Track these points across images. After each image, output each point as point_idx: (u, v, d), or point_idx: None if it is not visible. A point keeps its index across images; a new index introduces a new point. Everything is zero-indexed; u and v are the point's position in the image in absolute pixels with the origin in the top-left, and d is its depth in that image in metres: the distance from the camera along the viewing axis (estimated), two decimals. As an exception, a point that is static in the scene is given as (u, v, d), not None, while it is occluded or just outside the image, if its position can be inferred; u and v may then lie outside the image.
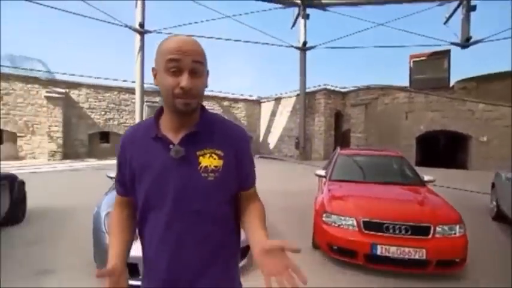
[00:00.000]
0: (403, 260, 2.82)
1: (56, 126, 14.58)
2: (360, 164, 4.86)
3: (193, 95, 0.84)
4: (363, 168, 4.73)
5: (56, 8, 13.42)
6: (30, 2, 12.70)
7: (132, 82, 16.53)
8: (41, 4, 12.94)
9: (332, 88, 17.51)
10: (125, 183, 0.96)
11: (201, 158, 0.88)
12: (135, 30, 14.89)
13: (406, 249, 2.80)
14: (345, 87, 17.77)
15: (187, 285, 0.89)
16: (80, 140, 15.81)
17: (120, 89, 17.18)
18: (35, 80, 15.19)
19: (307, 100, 17.35)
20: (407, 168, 4.71)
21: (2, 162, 13.01)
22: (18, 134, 15.02)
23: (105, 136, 17.09)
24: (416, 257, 2.78)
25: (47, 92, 14.66)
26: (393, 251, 2.82)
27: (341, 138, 17.14)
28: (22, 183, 4.90)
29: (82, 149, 15.93)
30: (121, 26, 14.98)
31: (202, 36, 14.76)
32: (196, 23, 16.64)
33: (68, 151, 15.11)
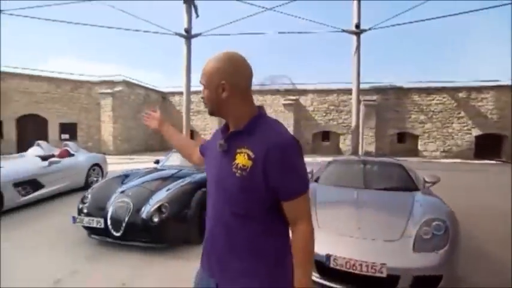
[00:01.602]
0: None
1: (289, 127, 17.99)
2: None
3: (205, 103, 1.08)
4: None
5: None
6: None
7: (347, 83, 17.12)
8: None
9: None
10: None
11: (237, 155, 0.99)
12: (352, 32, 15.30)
13: None
14: None
15: (216, 266, 1.05)
16: (306, 138, 18.55)
17: (339, 91, 18.31)
18: (277, 92, 19.56)
19: None
20: None
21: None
22: (267, 134, 20.05)
23: (326, 135, 18.93)
24: None
25: (284, 100, 18.42)
26: None
27: None
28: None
29: (307, 147, 18.60)
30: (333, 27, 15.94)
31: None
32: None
33: (297, 148, 18.24)
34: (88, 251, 3.32)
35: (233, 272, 1.01)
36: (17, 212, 4.75)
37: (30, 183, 5.14)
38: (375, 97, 17.19)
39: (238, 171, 0.96)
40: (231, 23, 15.27)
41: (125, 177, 4.26)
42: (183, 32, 15.81)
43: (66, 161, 6.17)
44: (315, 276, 2.59)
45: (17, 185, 4.85)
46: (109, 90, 16.71)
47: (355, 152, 15.95)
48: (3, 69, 15.54)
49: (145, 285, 2.63)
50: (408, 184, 3.89)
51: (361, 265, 2.37)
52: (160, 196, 3.49)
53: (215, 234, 1.05)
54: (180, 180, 3.94)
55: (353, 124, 16.29)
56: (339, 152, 18.03)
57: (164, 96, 21.78)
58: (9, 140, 15.95)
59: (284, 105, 18.23)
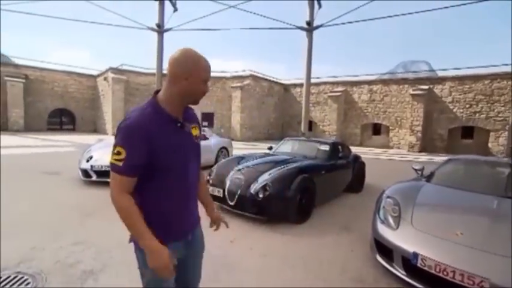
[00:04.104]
0: None
1: (417, 120, 15.82)
2: None
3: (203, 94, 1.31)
4: None
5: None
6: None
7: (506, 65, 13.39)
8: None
9: None
10: (139, 166, 1.14)
11: (192, 129, 1.35)
12: None
13: None
14: None
15: (189, 218, 1.40)
16: (439, 134, 15.86)
17: (494, 77, 14.60)
18: (404, 81, 17.39)
19: None
20: None
21: (378, 149, 16.64)
22: (390, 128, 18.22)
23: (468, 132, 15.59)
24: None
25: (413, 90, 16.22)
26: None
27: None
28: (363, 163, 6.42)
29: (440, 144, 15.89)
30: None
31: None
32: None
33: (426, 144, 15.82)
34: (211, 212, 4.30)
35: (195, 211, 1.44)
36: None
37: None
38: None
39: (197, 140, 1.40)
40: (350, 11, 14.52)
41: (241, 158, 5.11)
42: (305, 25, 16.20)
43: (203, 143, 7.78)
44: (401, 273, 2.56)
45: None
46: (239, 84, 19.13)
47: (511, 153, 12.52)
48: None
49: (247, 244, 3.28)
50: None
51: (454, 272, 2.22)
52: (266, 177, 4.08)
53: (191, 193, 1.38)
54: (286, 165, 4.44)
55: None
56: (486, 153, 14.58)
57: (286, 88, 23.03)
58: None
59: (412, 95, 16.06)
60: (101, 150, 6.06)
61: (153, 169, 1.18)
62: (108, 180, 4.71)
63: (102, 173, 5.50)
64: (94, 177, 5.51)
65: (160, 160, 1.17)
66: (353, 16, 15.09)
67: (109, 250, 2.96)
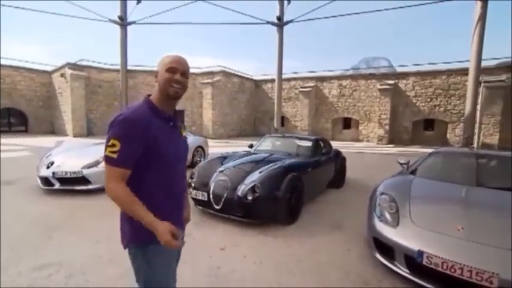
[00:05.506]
0: None
1: (384, 114, 16.50)
2: None
3: (183, 88, 1.29)
4: None
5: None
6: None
7: (463, 61, 14.37)
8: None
9: None
10: (134, 157, 1.17)
11: (181, 129, 1.44)
12: None
13: None
14: None
15: (179, 212, 1.44)
16: (404, 126, 16.69)
17: (450, 72, 15.63)
18: (371, 76, 18.03)
19: None
20: None
21: (348, 142, 17.13)
22: (360, 121, 18.84)
23: (429, 124, 16.59)
24: None
25: (380, 84, 16.88)
26: None
27: None
28: (344, 158, 6.43)
29: (406, 136, 16.74)
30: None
31: None
32: None
33: (394, 137, 16.58)
34: (194, 218, 3.98)
35: (182, 213, 1.48)
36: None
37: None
38: (503, 76, 14.00)
39: (184, 139, 1.47)
40: (317, 8, 14.67)
41: (223, 158, 4.82)
42: (276, 20, 16.08)
43: (178, 142, 7.34)
44: (404, 271, 2.49)
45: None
46: (209, 80, 18.59)
47: (467, 143, 13.51)
48: (134, 68, 19.10)
49: (239, 251, 3.04)
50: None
51: (461, 269, 2.17)
52: (254, 177, 3.83)
53: (181, 193, 1.45)
54: (272, 164, 4.22)
55: (467, 111, 13.73)
56: (445, 143, 15.62)
57: (257, 84, 22.85)
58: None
59: (380, 90, 16.71)
60: (63, 155, 5.43)
61: (149, 162, 1.21)
62: (75, 188, 4.14)
63: (66, 181, 4.90)
64: (57, 186, 4.90)
65: (155, 151, 1.21)
66: (320, 13, 15.27)
67: (83, 271, 2.56)
